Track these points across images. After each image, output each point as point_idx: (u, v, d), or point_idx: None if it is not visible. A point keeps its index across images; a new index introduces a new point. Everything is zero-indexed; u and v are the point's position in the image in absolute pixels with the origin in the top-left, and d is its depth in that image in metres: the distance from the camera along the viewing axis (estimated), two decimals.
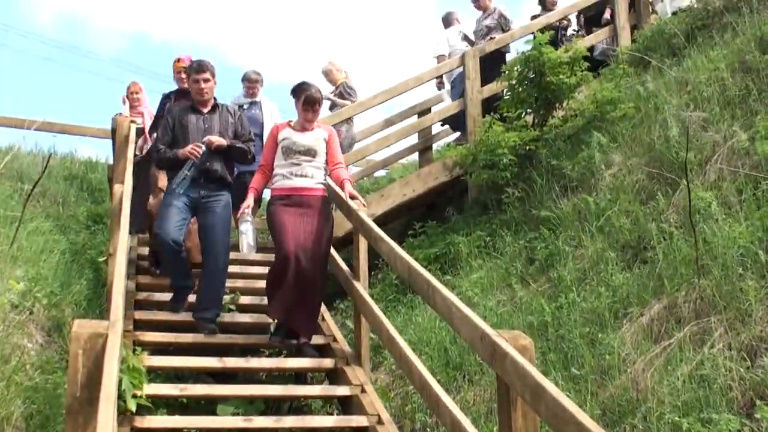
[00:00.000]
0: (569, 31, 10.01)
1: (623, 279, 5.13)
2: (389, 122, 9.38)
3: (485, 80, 8.66)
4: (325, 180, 5.75)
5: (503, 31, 9.19)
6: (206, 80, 5.93)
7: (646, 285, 4.92)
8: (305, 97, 5.70)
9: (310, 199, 5.57)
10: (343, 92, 8.84)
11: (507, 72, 8.08)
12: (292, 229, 5.39)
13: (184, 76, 6.94)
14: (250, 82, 8.23)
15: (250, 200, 5.68)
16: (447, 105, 9.06)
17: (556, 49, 7.90)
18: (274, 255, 5.68)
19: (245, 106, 8.07)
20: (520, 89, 7.91)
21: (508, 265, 6.39)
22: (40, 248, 6.23)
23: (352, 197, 5.53)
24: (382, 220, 8.17)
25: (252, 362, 5.60)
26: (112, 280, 4.42)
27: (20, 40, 56.40)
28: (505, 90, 8.33)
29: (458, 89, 9.03)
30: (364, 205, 5.57)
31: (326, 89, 8.85)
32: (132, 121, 8.22)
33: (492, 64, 8.71)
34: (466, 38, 9.53)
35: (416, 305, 6.45)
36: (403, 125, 9.16)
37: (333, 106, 8.86)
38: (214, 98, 6.07)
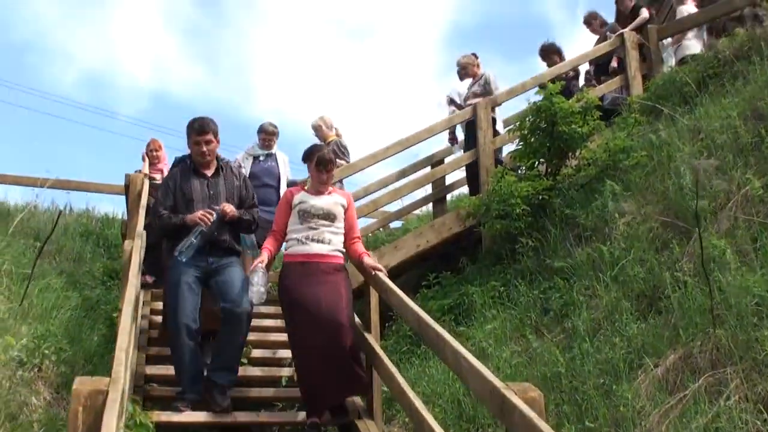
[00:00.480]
0: (581, 81, 10.06)
1: (638, 329, 5.06)
2: (403, 173, 9.42)
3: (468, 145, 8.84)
4: (343, 247, 5.50)
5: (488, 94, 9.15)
6: (208, 142, 5.57)
7: (661, 335, 4.85)
8: (317, 159, 5.47)
9: (328, 267, 5.27)
10: (336, 151, 8.54)
11: (519, 122, 8.11)
12: (308, 312, 5.08)
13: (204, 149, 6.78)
14: (267, 134, 8.26)
15: (263, 256, 5.37)
16: (460, 156, 9.07)
17: (568, 99, 7.94)
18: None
19: (261, 158, 8.18)
20: (532, 139, 7.94)
21: (523, 316, 6.32)
22: (51, 305, 6.22)
23: (374, 269, 5.32)
24: (396, 271, 8.15)
25: (263, 416, 5.55)
26: None
27: (42, 102, 57.60)
28: (517, 141, 8.35)
29: (471, 140, 9.05)
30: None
31: None
32: (151, 178, 8.34)
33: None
34: (452, 102, 9.49)
35: (430, 357, 6.38)
36: (416, 176, 9.16)
37: None
38: (217, 158, 5.72)
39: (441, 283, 7.74)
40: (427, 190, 9.83)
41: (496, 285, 7.00)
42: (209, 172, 5.63)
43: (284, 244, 5.57)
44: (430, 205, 10.10)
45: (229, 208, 5.41)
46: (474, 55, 9.43)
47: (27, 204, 10.42)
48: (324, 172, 5.49)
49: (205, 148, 5.54)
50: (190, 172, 5.60)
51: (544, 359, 5.45)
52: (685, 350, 4.56)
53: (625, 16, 10.19)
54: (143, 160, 9.05)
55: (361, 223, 8.70)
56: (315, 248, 5.30)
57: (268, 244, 5.51)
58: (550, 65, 9.87)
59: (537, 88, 8.13)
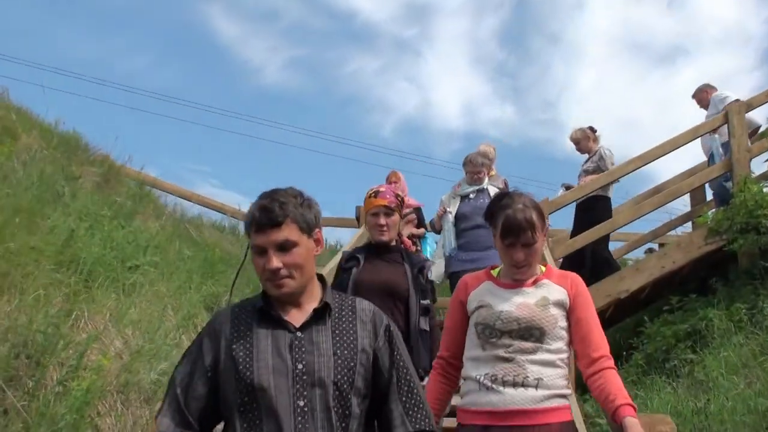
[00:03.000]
0: None
1: None
2: (657, 190, 8.83)
3: (581, 227, 7.94)
4: (567, 389, 2.75)
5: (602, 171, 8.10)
6: (283, 247, 2.14)
7: None
8: (503, 222, 2.78)
9: None
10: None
11: None
12: None
13: (383, 222, 4.11)
14: (474, 166, 6.77)
15: None
16: (711, 168, 8.21)
17: None
18: None
19: (471, 196, 6.77)
20: None
21: (765, 341, 5.57)
22: None
23: None
24: (638, 296, 7.64)
25: None
26: None
27: (362, 152, 62.85)
28: None
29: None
30: None
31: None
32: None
33: (591, 210, 7.99)
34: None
35: (656, 388, 5.85)
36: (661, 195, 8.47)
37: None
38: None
39: (683, 307, 7.05)
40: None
41: (741, 308, 6.25)
42: (300, 317, 2.19)
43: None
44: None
45: None
46: (591, 128, 8.39)
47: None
48: (519, 249, 2.77)
49: (275, 264, 2.14)
50: (254, 314, 2.20)
51: None
52: None
53: None
54: None
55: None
56: (510, 398, 2.65)
57: (433, 394, 2.87)
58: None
59: None
